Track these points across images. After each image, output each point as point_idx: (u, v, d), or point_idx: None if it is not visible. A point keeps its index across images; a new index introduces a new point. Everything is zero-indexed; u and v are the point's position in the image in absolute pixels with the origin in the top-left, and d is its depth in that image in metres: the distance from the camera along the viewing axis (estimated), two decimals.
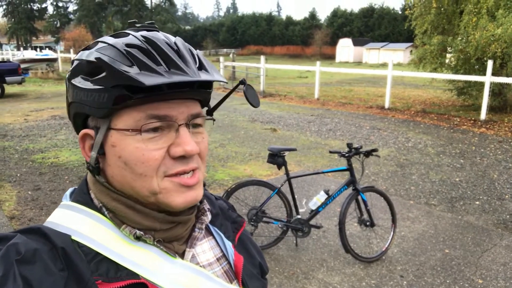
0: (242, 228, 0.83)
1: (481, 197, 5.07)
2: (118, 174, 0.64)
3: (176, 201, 0.63)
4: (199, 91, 0.65)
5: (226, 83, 0.70)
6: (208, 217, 0.75)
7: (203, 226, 0.74)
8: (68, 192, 0.71)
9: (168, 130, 0.63)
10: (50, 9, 61.58)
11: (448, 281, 3.24)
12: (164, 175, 0.63)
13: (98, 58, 0.61)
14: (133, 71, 0.59)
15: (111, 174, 0.65)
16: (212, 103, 0.75)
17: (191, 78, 0.60)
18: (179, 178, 0.63)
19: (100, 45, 0.63)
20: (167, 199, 0.63)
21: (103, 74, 0.60)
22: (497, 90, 10.85)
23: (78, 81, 0.63)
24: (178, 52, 0.63)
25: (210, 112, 0.75)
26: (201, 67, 0.65)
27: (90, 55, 0.63)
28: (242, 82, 0.75)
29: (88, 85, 0.62)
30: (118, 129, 0.62)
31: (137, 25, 0.67)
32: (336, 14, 60.87)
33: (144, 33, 0.64)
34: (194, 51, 0.67)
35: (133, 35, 0.63)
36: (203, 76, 0.62)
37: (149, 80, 0.58)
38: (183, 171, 0.64)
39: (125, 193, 0.65)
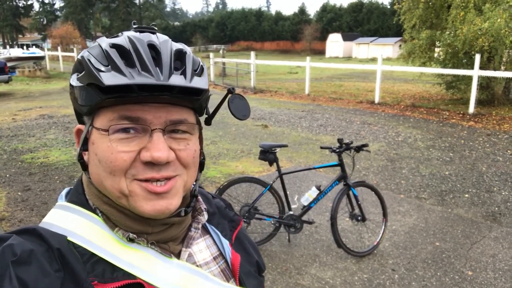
0: (239, 227, 0.83)
1: (470, 190, 5.14)
2: (94, 171, 0.65)
3: (144, 207, 0.62)
4: (183, 96, 0.63)
5: (206, 89, 0.67)
6: (204, 217, 0.75)
7: (199, 226, 0.74)
8: (63, 192, 0.72)
9: (144, 133, 0.62)
10: (36, 6, 60.85)
11: (438, 274, 3.29)
12: (133, 178, 0.62)
13: (82, 56, 0.63)
14: (107, 70, 0.59)
15: (91, 171, 0.66)
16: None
17: (156, 82, 0.59)
18: (146, 184, 0.62)
19: (94, 44, 0.65)
20: (135, 204, 0.62)
21: (83, 72, 0.62)
22: (485, 84, 10.99)
23: (73, 78, 0.65)
24: (157, 54, 0.62)
25: (207, 120, 0.74)
26: (183, 72, 0.63)
27: (80, 54, 0.65)
28: (230, 91, 0.72)
29: (75, 82, 0.64)
30: (96, 128, 0.63)
31: (134, 26, 0.67)
32: (326, 9, 60.85)
33: (135, 34, 0.64)
34: (187, 55, 0.65)
35: (123, 36, 0.64)
36: (174, 81, 0.60)
37: (110, 80, 0.58)
38: (153, 178, 0.62)
39: (103, 192, 0.65)
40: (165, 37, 0.66)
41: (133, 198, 0.62)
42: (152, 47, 0.62)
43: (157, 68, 0.60)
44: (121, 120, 0.61)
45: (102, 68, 0.59)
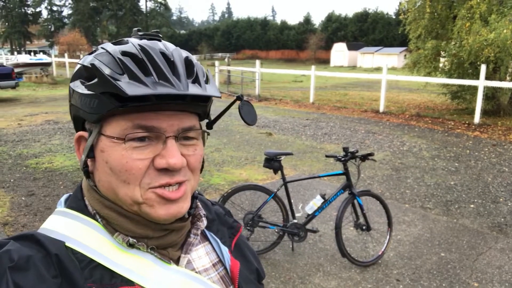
0: (239, 234, 0.83)
1: (475, 200, 5.09)
2: (104, 179, 0.64)
3: (158, 213, 0.63)
4: (194, 104, 0.65)
5: (219, 97, 0.69)
6: (203, 223, 0.75)
7: (199, 232, 0.73)
8: (63, 199, 0.71)
9: (157, 141, 0.62)
10: (45, 13, 61.39)
11: (444, 285, 3.25)
12: (148, 187, 0.62)
13: (92, 64, 0.61)
14: (123, 79, 0.58)
15: (98, 178, 0.66)
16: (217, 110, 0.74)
17: (177, 91, 0.59)
18: (162, 191, 0.63)
19: (99, 51, 0.64)
20: (150, 210, 0.63)
21: (95, 80, 0.61)
22: (491, 94, 10.93)
23: (76, 85, 0.64)
24: (171, 63, 0.62)
25: (209, 125, 0.75)
26: (196, 80, 0.64)
27: (87, 60, 0.64)
28: (239, 97, 0.74)
29: (83, 89, 0.63)
30: (107, 136, 0.62)
31: (140, 33, 0.67)
32: (331, 19, 61.16)
33: (144, 41, 0.63)
34: (194, 63, 0.66)
35: (132, 43, 0.63)
36: (192, 90, 0.61)
37: (132, 90, 0.57)
38: (167, 184, 0.63)
39: (110, 199, 0.65)
40: (173, 45, 0.66)
41: (147, 205, 0.63)
42: (163, 55, 0.62)
43: (175, 77, 0.61)
44: (136, 129, 0.61)
45: (118, 77, 0.59)
